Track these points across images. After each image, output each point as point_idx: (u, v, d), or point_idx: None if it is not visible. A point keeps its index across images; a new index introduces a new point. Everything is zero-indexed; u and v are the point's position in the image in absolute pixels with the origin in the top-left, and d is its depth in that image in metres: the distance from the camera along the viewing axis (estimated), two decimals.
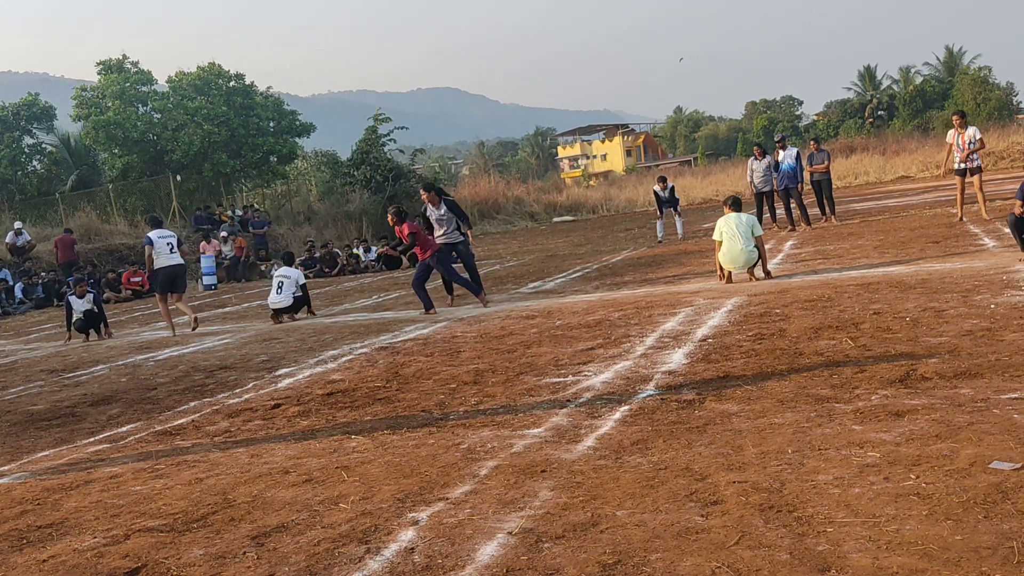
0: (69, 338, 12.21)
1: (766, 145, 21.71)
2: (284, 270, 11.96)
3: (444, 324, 9.48)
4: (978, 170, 13.56)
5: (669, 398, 5.08)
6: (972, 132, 13.57)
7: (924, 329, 6.10)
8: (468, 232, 11.44)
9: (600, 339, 7.31)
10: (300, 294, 11.87)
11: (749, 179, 17.07)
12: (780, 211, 17.75)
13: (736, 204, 10.35)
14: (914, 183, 30.38)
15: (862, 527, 2.98)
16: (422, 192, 11.33)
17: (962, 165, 13.54)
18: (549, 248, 20.96)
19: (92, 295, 12.33)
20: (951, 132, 13.86)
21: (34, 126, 35.37)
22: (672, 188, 18.84)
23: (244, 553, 3.40)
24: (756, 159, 16.95)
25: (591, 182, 60.94)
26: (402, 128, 35.11)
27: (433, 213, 11.01)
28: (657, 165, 73.82)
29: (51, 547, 3.72)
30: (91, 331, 12.22)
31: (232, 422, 5.87)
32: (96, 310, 12.20)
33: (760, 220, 14.74)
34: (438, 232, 11.04)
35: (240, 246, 23.91)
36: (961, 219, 13.33)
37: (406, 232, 10.84)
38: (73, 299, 12.28)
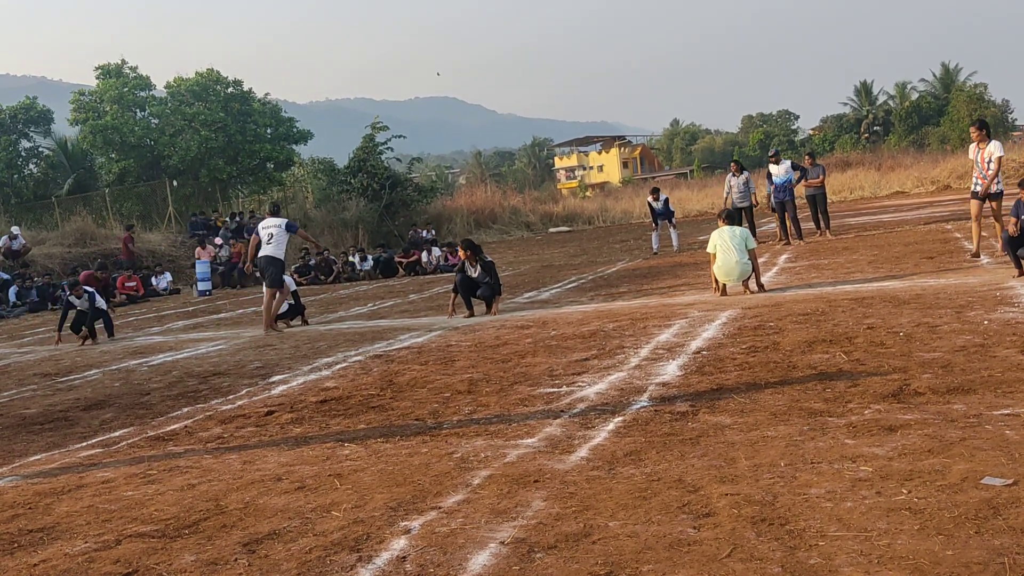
0: (58, 340, 12.19)
1: (744, 161, 21.76)
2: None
3: (439, 333, 9.48)
4: (998, 195, 11.14)
5: (663, 409, 5.09)
6: (993, 147, 11.01)
7: (917, 344, 6.12)
8: (498, 296, 10.99)
9: (594, 350, 7.32)
10: (293, 301, 11.85)
11: (726, 194, 17.02)
12: (769, 226, 17.80)
13: (730, 217, 10.39)
14: (909, 199, 30.50)
15: (854, 541, 2.99)
16: (460, 248, 11.20)
17: (978, 187, 11.11)
18: (545, 258, 20.99)
19: (88, 294, 12.29)
20: (972, 147, 11.32)
21: (31, 129, 35.39)
22: (666, 200, 18.88)
23: (235, 560, 3.39)
24: (734, 175, 16.95)
25: (587, 193, 61.08)
26: (399, 136, 35.17)
27: (470, 270, 10.90)
28: (653, 177, 74.00)
29: (42, 551, 3.71)
30: (90, 331, 12.11)
31: (225, 428, 5.86)
32: (89, 311, 12.13)
33: None
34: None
35: (239, 252, 23.91)
36: (977, 255, 10.77)
37: None
38: (72, 299, 12.29)
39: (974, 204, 11.18)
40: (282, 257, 11.38)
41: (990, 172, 10.94)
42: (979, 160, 11.06)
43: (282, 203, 12.38)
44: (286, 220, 11.53)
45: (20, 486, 4.85)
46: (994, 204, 11.19)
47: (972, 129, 11.33)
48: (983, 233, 11.25)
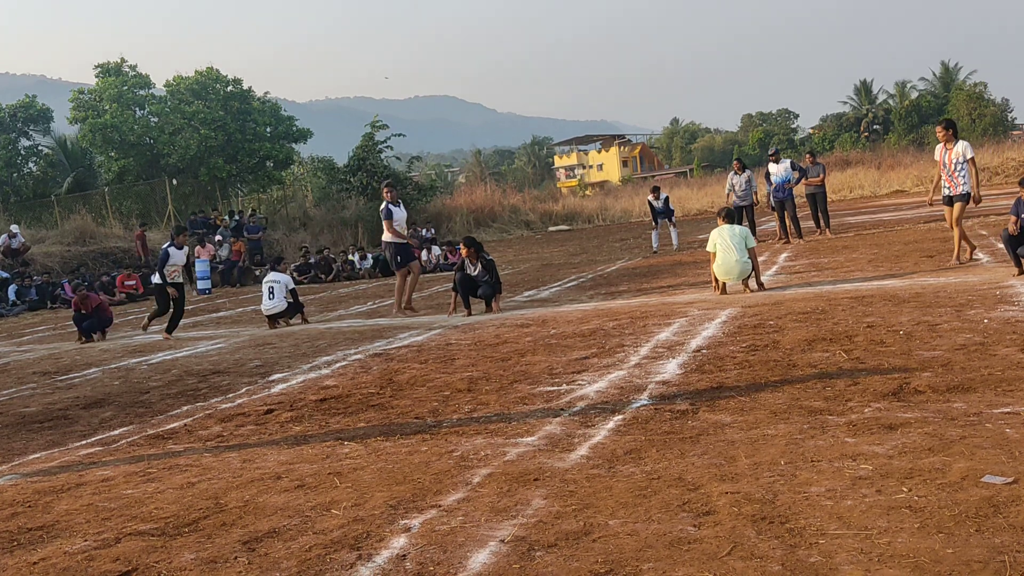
0: (161, 335, 11.62)
1: (746, 159, 21.73)
2: (273, 275, 11.92)
3: (439, 331, 9.48)
4: (962, 198, 10.34)
5: (663, 408, 5.09)
6: (961, 148, 10.40)
7: (917, 343, 6.12)
8: (498, 294, 10.97)
9: (594, 348, 7.31)
10: (292, 300, 11.84)
11: (728, 192, 17.00)
12: (769, 225, 17.79)
13: (730, 216, 10.38)
14: (908, 197, 30.48)
15: (854, 539, 2.98)
16: (461, 245, 11.12)
17: (947, 191, 10.52)
18: (544, 257, 20.98)
19: (188, 249, 12.02)
20: (938, 148, 10.74)
21: (31, 128, 35.40)
22: (667, 198, 18.88)
23: (235, 558, 3.39)
24: (736, 173, 16.93)
25: (587, 192, 61.06)
26: (399, 135, 35.16)
27: (470, 268, 10.85)
28: (653, 176, 74.04)
29: (42, 549, 3.70)
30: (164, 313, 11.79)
31: (225, 427, 5.86)
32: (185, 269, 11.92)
33: None
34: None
35: (239, 251, 23.92)
36: (972, 256, 10.51)
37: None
38: (172, 250, 11.61)
39: (947, 211, 10.56)
40: (390, 240, 11.69)
41: (959, 176, 10.35)
42: (946, 161, 10.48)
43: (394, 183, 12.53)
44: (384, 205, 11.71)
45: (20, 484, 4.85)
46: (959, 205, 10.32)
47: (938, 129, 10.75)
48: (982, 232, 11.16)
